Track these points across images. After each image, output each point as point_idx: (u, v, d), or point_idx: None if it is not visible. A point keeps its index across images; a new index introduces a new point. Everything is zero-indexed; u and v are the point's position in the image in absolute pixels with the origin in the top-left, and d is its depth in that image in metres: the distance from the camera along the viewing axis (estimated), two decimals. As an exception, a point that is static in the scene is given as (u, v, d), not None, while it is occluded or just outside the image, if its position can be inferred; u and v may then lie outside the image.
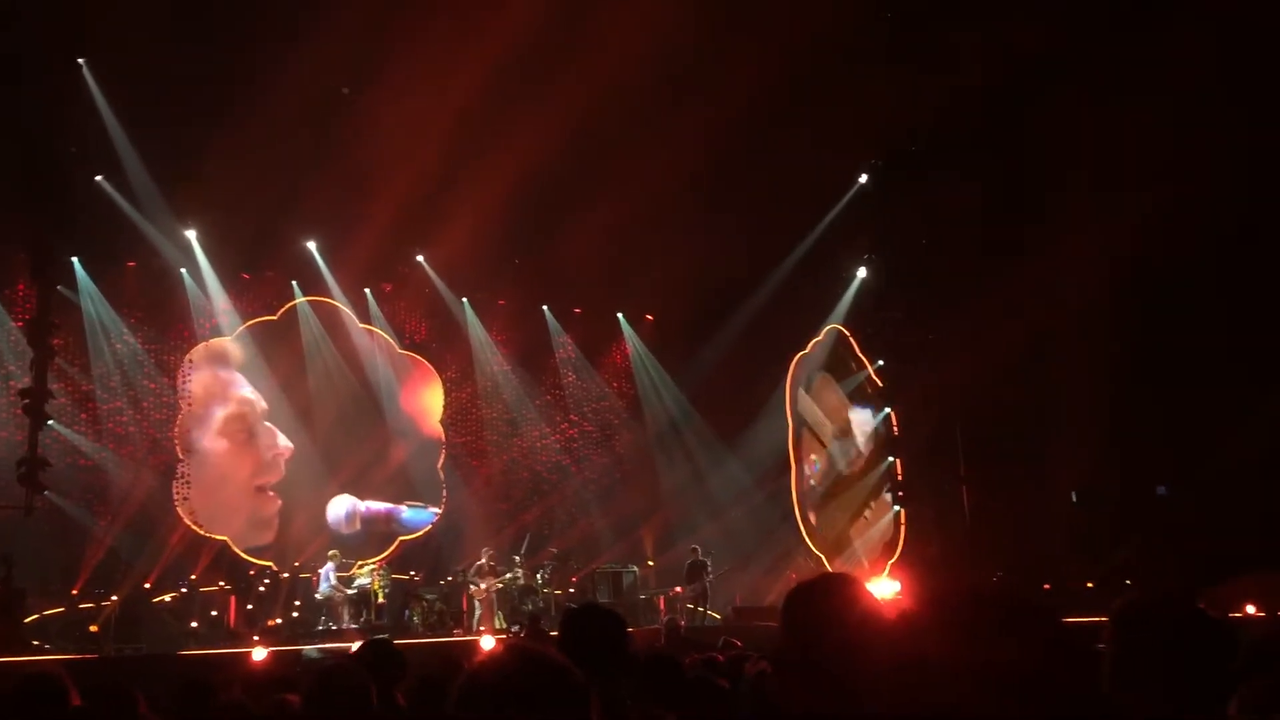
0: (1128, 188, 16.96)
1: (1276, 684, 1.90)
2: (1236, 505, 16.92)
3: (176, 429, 17.58)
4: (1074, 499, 20.27)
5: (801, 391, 23.22)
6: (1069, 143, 17.27)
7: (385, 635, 12.21)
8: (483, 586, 17.05)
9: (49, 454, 14.87)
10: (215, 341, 18.29)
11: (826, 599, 2.20)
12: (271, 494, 18.31)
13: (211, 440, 17.99)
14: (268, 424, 18.46)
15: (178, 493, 17.35)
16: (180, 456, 17.51)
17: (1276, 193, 16.22)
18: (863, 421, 23.78)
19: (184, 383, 17.72)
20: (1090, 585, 17.88)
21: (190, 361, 17.91)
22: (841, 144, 18.85)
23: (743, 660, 5.39)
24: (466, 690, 1.77)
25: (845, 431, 23.59)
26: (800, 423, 23.09)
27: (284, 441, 18.48)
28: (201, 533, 17.31)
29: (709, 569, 18.48)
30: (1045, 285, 18.03)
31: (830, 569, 21.54)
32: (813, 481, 23.06)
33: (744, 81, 15.26)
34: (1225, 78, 15.36)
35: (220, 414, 18.13)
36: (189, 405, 17.74)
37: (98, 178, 16.38)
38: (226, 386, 18.31)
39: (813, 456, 23.22)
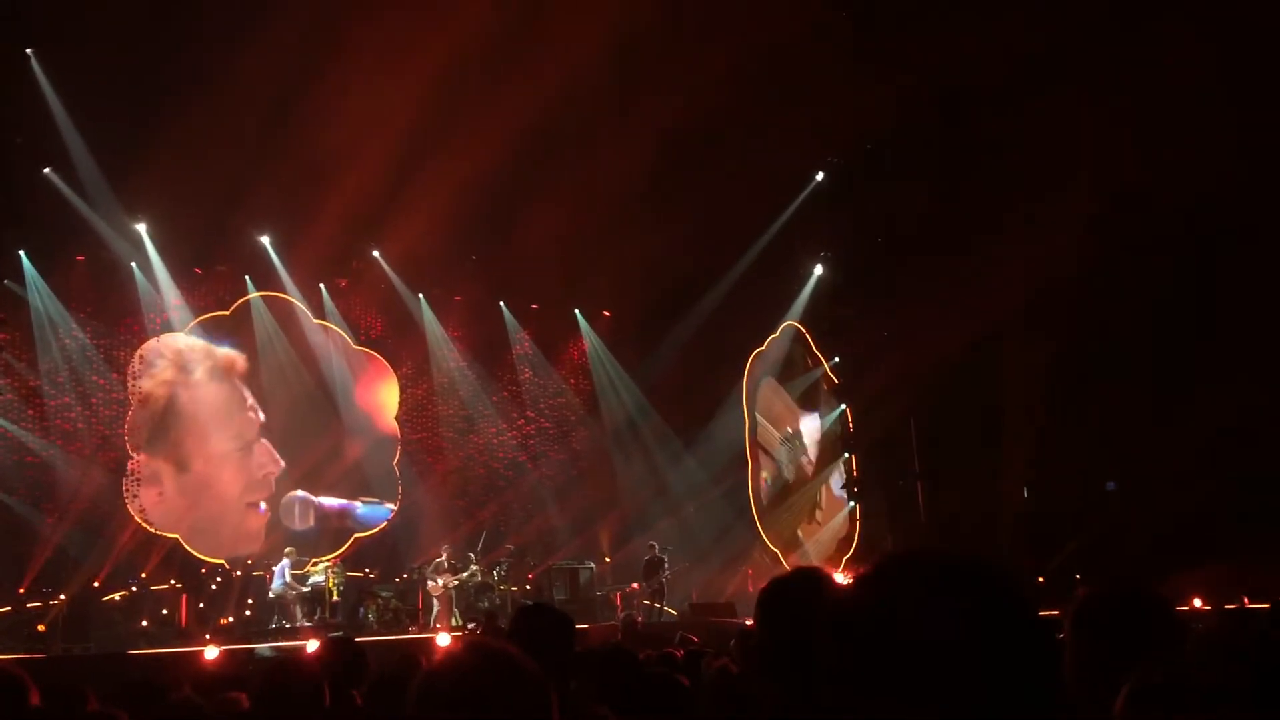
0: (1076, 187, 17.20)
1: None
2: (1182, 499, 17.20)
3: (127, 425, 17.32)
4: (1025, 494, 20.52)
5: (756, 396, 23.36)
6: (1021, 142, 17.48)
7: (342, 634, 12.11)
8: (440, 583, 16.97)
9: (-5, 451, 14.62)
10: (224, 353, 18.15)
11: (802, 594, 2.22)
12: (260, 508, 18.17)
13: (209, 461, 17.88)
14: (264, 440, 18.31)
15: (127, 490, 17.10)
16: (131, 454, 17.25)
17: (1222, 191, 16.50)
18: (811, 429, 23.95)
19: (134, 379, 17.45)
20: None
21: (145, 361, 17.65)
22: (799, 142, 18.96)
23: (700, 656, 5.40)
24: (426, 689, 1.76)
25: (792, 438, 23.74)
26: (755, 422, 23.21)
27: (277, 459, 18.38)
28: (152, 530, 17.07)
29: (666, 565, 18.53)
30: (998, 282, 18.23)
31: (786, 565, 21.67)
32: (764, 486, 23.20)
33: (701, 78, 15.32)
34: (1174, 81, 15.59)
35: (220, 434, 18.01)
36: (139, 403, 17.49)
37: (46, 170, 16.10)
38: (235, 402, 18.21)
39: (764, 474, 23.34)
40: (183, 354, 17.95)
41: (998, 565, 1.26)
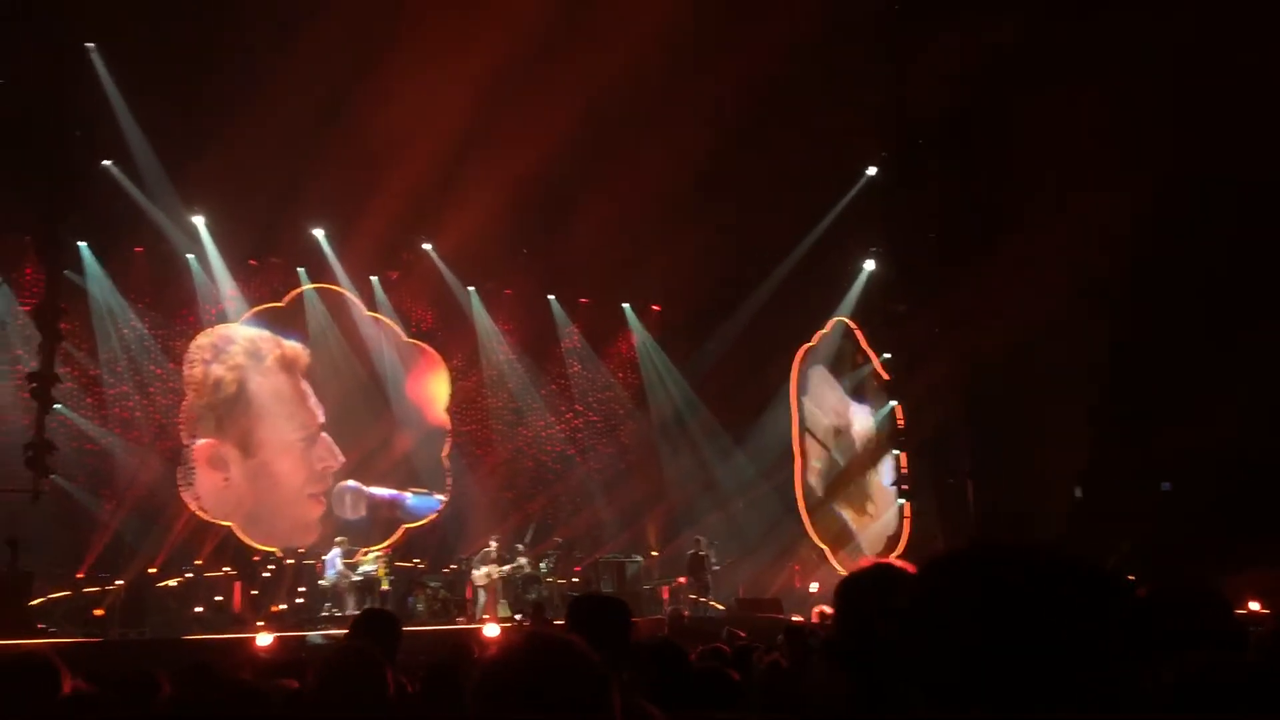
0: (1129, 177, 16.91)
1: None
2: (1240, 500, 16.87)
3: (182, 413, 17.59)
4: (1077, 493, 20.23)
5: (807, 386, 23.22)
6: (1073, 133, 17.22)
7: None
8: (485, 573, 17.06)
9: (55, 438, 14.90)
10: (290, 345, 18.43)
11: (880, 587, 2.20)
12: (319, 499, 18.42)
13: (274, 448, 18.14)
14: (325, 435, 18.55)
15: (182, 478, 17.38)
16: (185, 442, 17.52)
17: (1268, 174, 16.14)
18: (863, 418, 23.76)
19: (189, 367, 17.72)
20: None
21: (215, 348, 17.92)
22: (850, 136, 18.83)
23: (750, 651, 5.39)
24: (487, 680, 1.75)
25: (844, 429, 23.56)
26: (805, 416, 23.08)
27: (337, 454, 18.62)
28: (206, 518, 17.34)
29: (710, 561, 18.48)
30: (1051, 277, 17.96)
31: (834, 562, 21.56)
32: (813, 480, 23.05)
33: (753, 71, 15.24)
34: (1227, 64, 15.27)
35: (285, 422, 18.28)
36: (195, 393, 17.75)
37: (106, 162, 16.40)
38: (299, 395, 18.48)
39: (815, 463, 23.21)
40: (254, 341, 18.25)
41: (1087, 559, 1.23)
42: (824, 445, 23.31)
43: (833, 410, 23.51)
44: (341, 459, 18.67)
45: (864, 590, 2.21)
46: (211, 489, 17.54)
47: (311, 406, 18.59)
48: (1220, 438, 17.34)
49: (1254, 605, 14.50)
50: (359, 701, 3.07)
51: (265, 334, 18.44)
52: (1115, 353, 18.70)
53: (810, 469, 23.05)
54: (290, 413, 18.36)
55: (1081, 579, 1.19)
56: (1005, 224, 18.63)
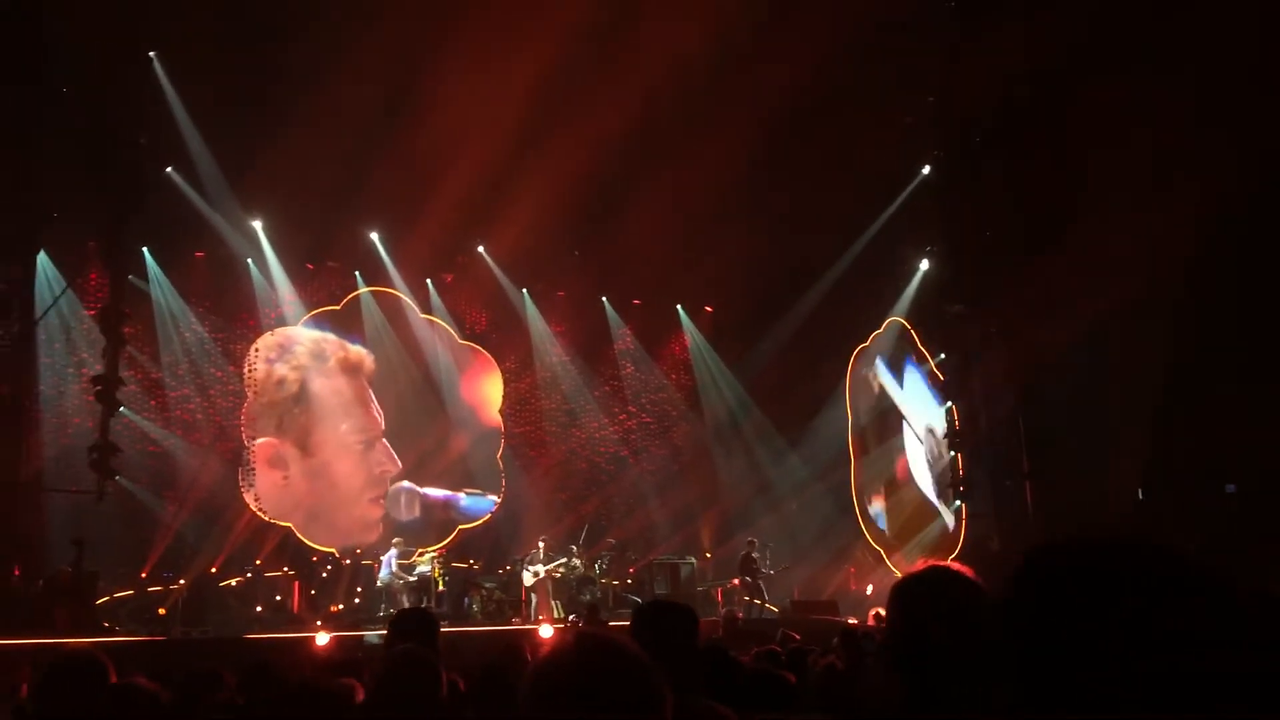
0: (1187, 170, 16.60)
1: None
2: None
3: (244, 414, 17.86)
4: (1139, 495, 19.88)
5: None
6: (1130, 131, 16.94)
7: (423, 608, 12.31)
8: (533, 573, 17.11)
9: (119, 440, 15.15)
10: (355, 350, 18.71)
11: (935, 591, 2.18)
12: (378, 502, 18.66)
13: (333, 449, 18.38)
14: (384, 440, 18.78)
15: (243, 479, 17.64)
16: (247, 444, 17.79)
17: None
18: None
19: (249, 369, 17.99)
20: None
21: (282, 348, 18.17)
22: (905, 135, 18.67)
23: (805, 654, 5.36)
24: (539, 680, 1.75)
25: (933, 429, 23.37)
26: (863, 416, 22.93)
27: (395, 460, 18.84)
28: (266, 519, 17.58)
29: (762, 562, 18.39)
30: (1108, 276, 17.68)
31: (890, 564, 21.38)
32: (919, 486, 22.93)
33: (805, 70, 15.16)
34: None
35: (346, 424, 18.52)
36: (255, 394, 18.01)
37: (168, 169, 16.70)
38: (361, 400, 18.71)
39: (907, 458, 23.05)
40: (318, 342, 18.50)
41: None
42: (920, 440, 23.15)
43: (918, 416, 23.35)
44: (399, 465, 18.84)
45: (919, 593, 2.19)
46: (270, 488, 17.78)
47: (374, 412, 18.79)
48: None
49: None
50: (414, 704, 3.10)
51: (330, 336, 18.70)
52: (1177, 352, 18.37)
53: (905, 458, 22.93)
54: (350, 416, 18.57)
55: (1200, 578, 1.15)
56: (1062, 223, 18.37)
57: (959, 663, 2.05)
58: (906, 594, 2.19)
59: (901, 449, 23.28)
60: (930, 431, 23.22)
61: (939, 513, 22.80)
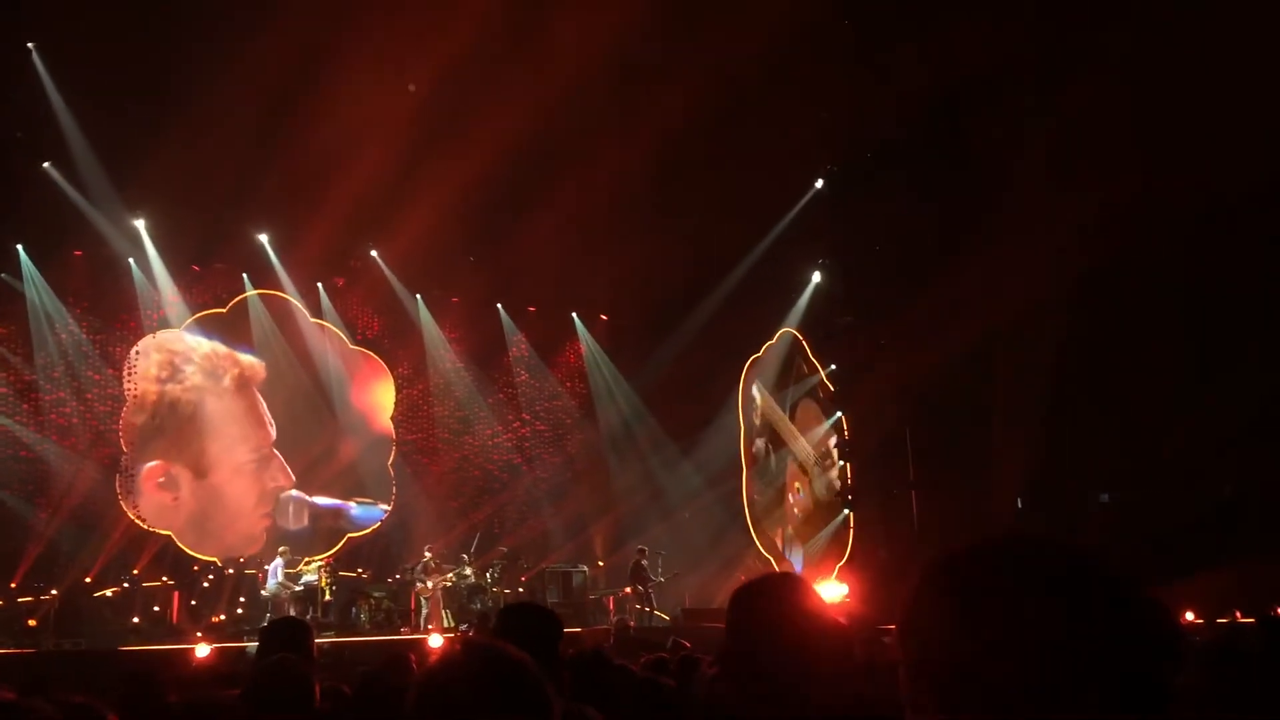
0: (1074, 192, 17.22)
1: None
2: (1176, 511, 17.22)
3: (122, 422, 17.29)
4: (1019, 504, 20.53)
5: (778, 409, 23.42)
6: (1019, 148, 17.52)
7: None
8: (429, 585, 16.96)
9: (-11, 445, 14.61)
10: (248, 362, 18.22)
11: (771, 599, 2.20)
12: (267, 516, 18.21)
13: (227, 470, 17.91)
14: (277, 454, 18.35)
15: (121, 486, 17.08)
16: (125, 450, 17.23)
17: (1219, 196, 16.50)
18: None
19: (130, 374, 17.43)
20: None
21: (173, 365, 17.63)
22: (798, 149, 18.99)
23: (696, 663, 5.40)
24: (426, 690, 1.75)
25: (827, 458, 23.78)
26: (755, 428, 23.23)
27: (289, 474, 18.45)
28: (145, 527, 17.05)
29: (653, 570, 18.47)
30: (992, 290, 18.24)
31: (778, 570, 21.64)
32: (796, 510, 23.29)
33: (701, 84, 15.33)
34: (1166, 77, 15.59)
35: (241, 444, 18.06)
36: (141, 402, 17.46)
37: (45, 164, 16.10)
38: (254, 415, 18.27)
39: (796, 485, 23.42)
40: (210, 359, 17.99)
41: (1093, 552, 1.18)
42: (808, 475, 23.55)
43: (820, 440, 23.76)
44: (292, 478, 18.46)
45: (752, 601, 2.22)
46: (157, 508, 17.26)
47: (267, 426, 18.37)
48: (1157, 451, 17.71)
49: (1189, 615, 14.80)
50: (287, 714, 3.05)
51: (221, 349, 18.17)
52: (1058, 367, 19.03)
53: (791, 501, 23.31)
54: (245, 434, 18.15)
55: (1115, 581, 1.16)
56: (952, 238, 18.89)
57: (789, 672, 2.08)
58: (740, 603, 2.22)
59: (788, 459, 23.68)
60: (823, 463, 23.72)
61: (828, 521, 23.23)
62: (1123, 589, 1.15)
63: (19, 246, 16.35)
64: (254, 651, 11.75)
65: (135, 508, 17.05)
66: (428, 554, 17.31)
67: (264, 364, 18.51)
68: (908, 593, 1.23)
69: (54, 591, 15.36)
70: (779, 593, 2.21)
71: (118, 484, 17.08)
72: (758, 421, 23.33)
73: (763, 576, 2.30)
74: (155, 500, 17.24)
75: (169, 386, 17.54)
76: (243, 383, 18.19)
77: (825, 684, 2.07)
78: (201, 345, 18.07)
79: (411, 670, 4.49)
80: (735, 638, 2.19)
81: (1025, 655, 1.08)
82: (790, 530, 23.17)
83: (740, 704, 2.15)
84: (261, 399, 18.42)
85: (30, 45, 15.26)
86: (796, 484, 23.56)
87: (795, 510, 23.42)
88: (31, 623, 14.67)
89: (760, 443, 23.40)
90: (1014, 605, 1.11)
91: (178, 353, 17.80)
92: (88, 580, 16.09)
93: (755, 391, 23.28)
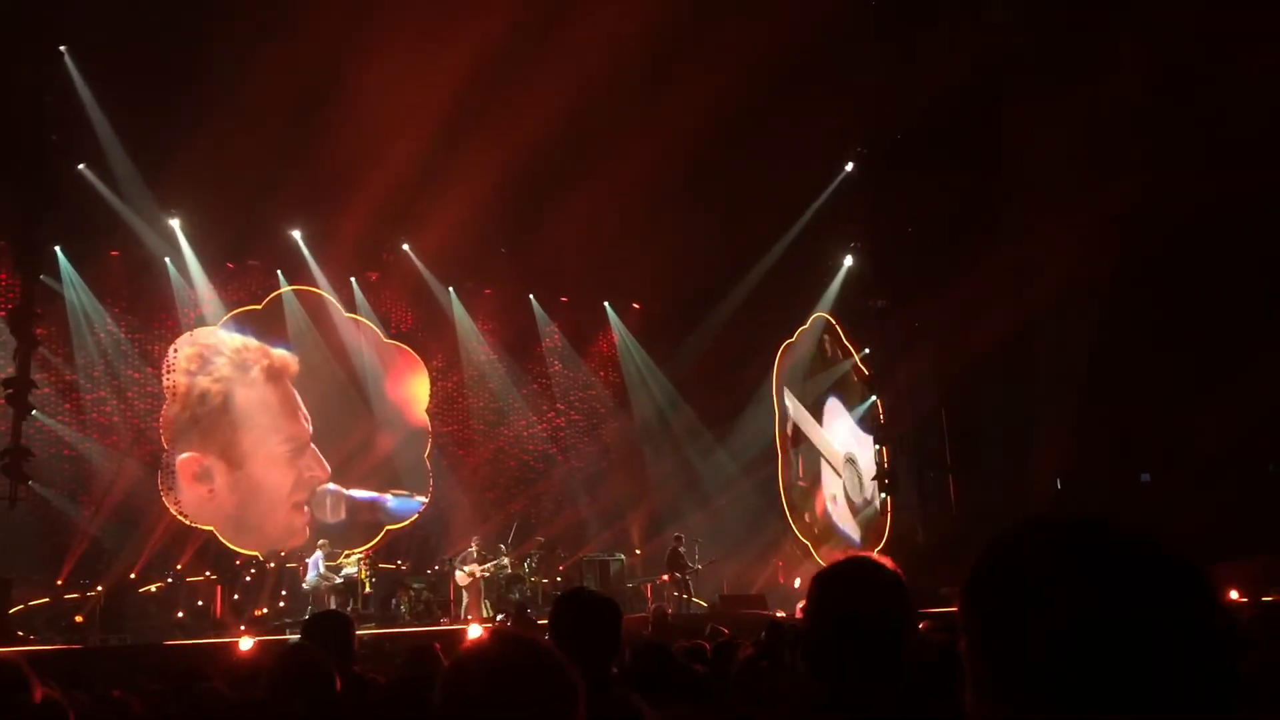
0: (1108, 171, 17.02)
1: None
2: (1218, 492, 17.01)
3: (162, 419, 17.49)
4: (1058, 486, 20.35)
5: (810, 418, 23.37)
6: (1056, 129, 17.32)
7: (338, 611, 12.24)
8: (467, 573, 17.04)
9: (33, 444, 14.78)
10: (279, 354, 18.36)
11: (854, 582, 2.19)
12: (305, 508, 18.37)
13: (260, 460, 18.07)
14: (313, 446, 18.50)
15: (163, 483, 17.28)
16: (165, 445, 17.43)
17: (1263, 179, 16.27)
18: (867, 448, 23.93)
19: (168, 372, 17.62)
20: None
21: (202, 358, 17.81)
22: (828, 132, 18.86)
23: (733, 648, 5.40)
24: (453, 680, 1.76)
25: (854, 460, 23.70)
26: (786, 417, 23.18)
27: (325, 465, 18.61)
28: (188, 523, 17.24)
29: (689, 557, 18.46)
30: (1032, 272, 18.09)
31: (818, 557, 21.62)
32: (835, 518, 23.26)
33: (731, 69, 15.25)
34: (1201, 62, 15.39)
35: (273, 434, 18.23)
36: (177, 396, 17.65)
37: (80, 166, 16.27)
38: (287, 407, 18.41)
39: (833, 493, 23.40)
40: (240, 352, 18.16)
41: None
42: (840, 476, 23.49)
43: (845, 441, 23.69)
44: (329, 470, 18.61)
45: (838, 584, 2.21)
46: (195, 500, 17.46)
47: (301, 418, 18.52)
48: (1198, 430, 17.50)
49: (1233, 594, 14.63)
50: (307, 703, 3.08)
51: (252, 343, 18.35)
52: (1098, 346, 18.83)
53: (829, 509, 23.27)
54: (277, 425, 18.29)
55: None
56: (987, 219, 18.73)
57: (876, 655, 2.08)
58: (825, 585, 2.20)
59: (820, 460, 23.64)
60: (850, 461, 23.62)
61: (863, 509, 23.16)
62: (1196, 577, 1.07)
63: (57, 248, 16.51)
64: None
65: (177, 503, 17.25)
66: (475, 545, 17.39)
67: (296, 357, 18.63)
68: (967, 576, 1.19)
69: (99, 588, 15.55)
70: (861, 576, 2.20)
71: (159, 480, 17.28)
72: (779, 426, 23.30)
73: (845, 560, 2.29)
74: (192, 492, 17.43)
75: (199, 378, 17.72)
76: (272, 374, 18.32)
77: (901, 668, 2.08)
78: (233, 339, 18.23)
79: (437, 659, 4.53)
80: (816, 620, 2.18)
81: (1091, 646, 1.03)
82: (821, 530, 23.13)
83: (820, 686, 2.15)
84: (296, 392, 18.55)
85: (62, 49, 15.40)
86: (833, 492, 23.48)
87: (832, 517, 23.36)
88: (78, 619, 14.88)
89: (793, 450, 23.41)
90: (1081, 593, 1.05)
91: (208, 346, 17.98)
92: (132, 576, 16.29)
93: (787, 400, 23.24)
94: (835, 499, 23.47)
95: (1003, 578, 1.14)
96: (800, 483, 23.23)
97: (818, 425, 23.56)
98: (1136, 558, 1.08)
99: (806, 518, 22.98)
